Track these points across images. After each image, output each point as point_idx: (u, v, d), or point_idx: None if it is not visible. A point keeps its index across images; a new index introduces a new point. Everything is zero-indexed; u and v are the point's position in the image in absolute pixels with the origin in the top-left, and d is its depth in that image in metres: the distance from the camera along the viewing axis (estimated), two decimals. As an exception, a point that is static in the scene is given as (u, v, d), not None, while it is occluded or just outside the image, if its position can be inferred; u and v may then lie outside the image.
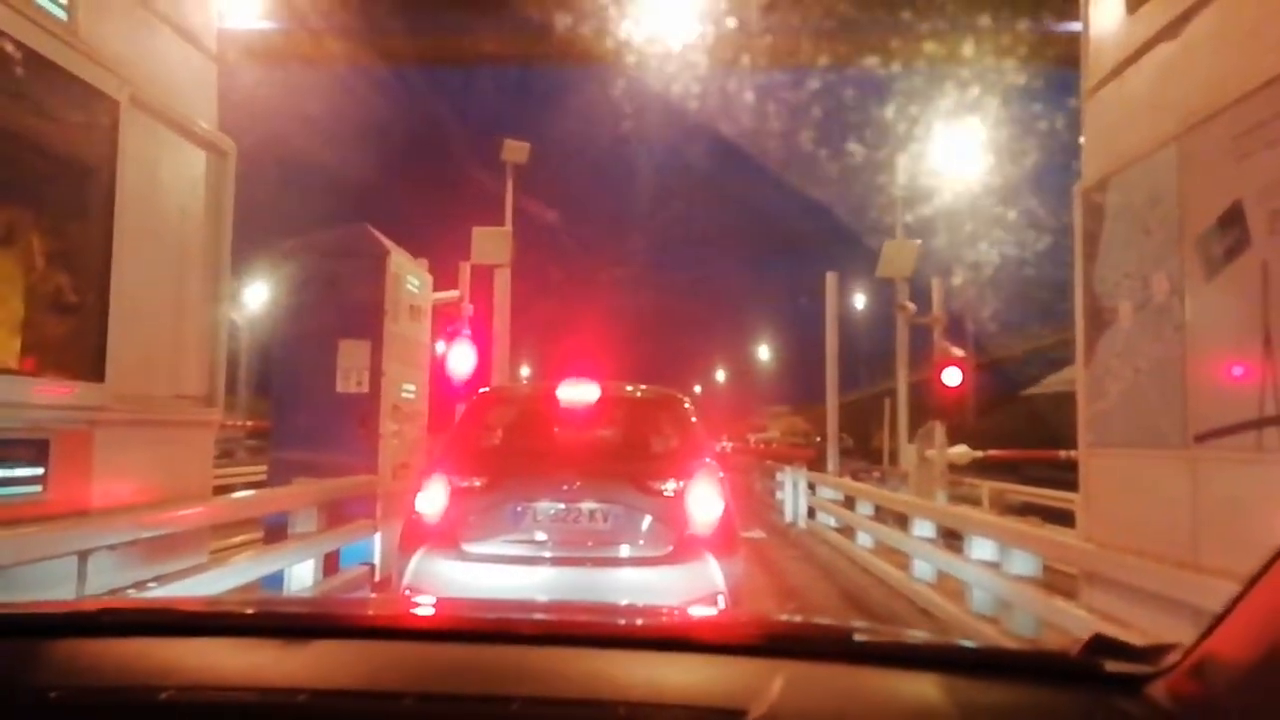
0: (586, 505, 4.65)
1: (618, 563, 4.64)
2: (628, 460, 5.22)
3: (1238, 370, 3.44)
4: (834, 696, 0.91)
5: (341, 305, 6.88)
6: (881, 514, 9.43)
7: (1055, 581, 5.26)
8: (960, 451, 10.94)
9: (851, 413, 22.81)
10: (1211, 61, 3.80)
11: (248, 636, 1.19)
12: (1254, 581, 0.68)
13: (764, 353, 56.62)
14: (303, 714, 0.94)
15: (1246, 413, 3.33)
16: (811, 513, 13.07)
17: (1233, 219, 3.50)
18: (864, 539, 9.61)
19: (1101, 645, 0.97)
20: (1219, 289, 3.61)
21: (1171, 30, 4.16)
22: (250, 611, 1.44)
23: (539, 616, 1.44)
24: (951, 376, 10.60)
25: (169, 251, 4.60)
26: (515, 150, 12.42)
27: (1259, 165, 3.38)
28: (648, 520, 4.66)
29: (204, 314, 4.86)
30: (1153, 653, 0.90)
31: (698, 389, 54.77)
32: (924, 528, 7.58)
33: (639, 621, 1.40)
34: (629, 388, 5.68)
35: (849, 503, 10.74)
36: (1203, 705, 0.70)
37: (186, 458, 4.65)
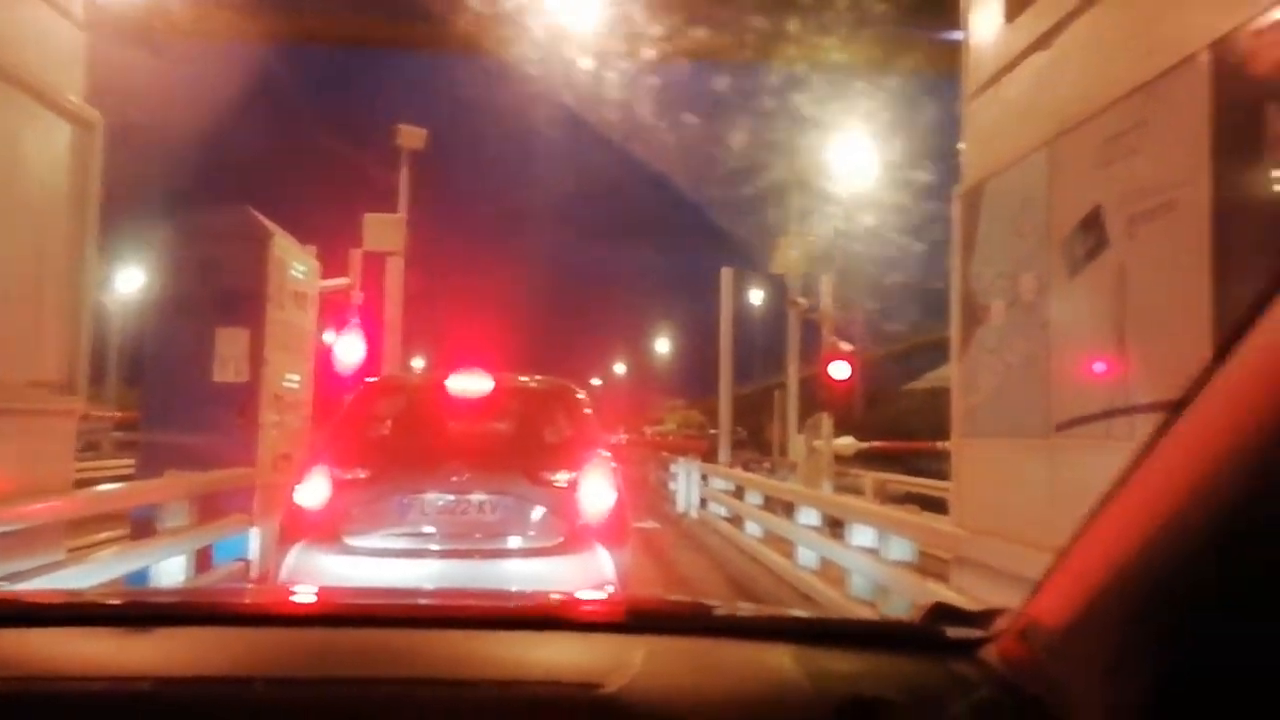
0: (476, 496, 4.60)
1: (507, 554, 4.61)
2: (519, 451, 5.20)
3: (1093, 364, 3.65)
4: (691, 668, 0.94)
5: (220, 290, 6.59)
6: (771, 504, 9.64)
7: (929, 566, 5.48)
8: (846, 443, 11.29)
9: (746, 406, 23.24)
10: (1081, 71, 4.00)
11: (90, 626, 1.13)
12: (1066, 550, 0.73)
13: (663, 346, 57.11)
14: (143, 702, 0.90)
15: (1099, 404, 3.54)
16: (704, 503, 13.26)
17: (1093, 222, 3.70)
18: (753, 528, 9.81)
19: (942, 612, 1.03)
20: (1079, 289, 3.82)
21: (1046, 40, 4.35)
22: (93, 601, 1.36)
23: (404, 601, 1.41)
24: (839, 370, 10.91)
25: (26, 229, 4.31)
26: (411, 136, 12.14)
27: (1119, 172, 3.58)
28: (538, 511, 4.65)
29: (66, 296, 4.57)
30: (986, 618, 0.96)
31: (597, 381, 54.83)
32: (809, 516, 7.79)
33: (508, 604, 1.39)
34: (522, 378, 5.66)
35: (740, 493, 10.95)
36: (1028, 665, 0.75)
37: (43, 449, 4.37)
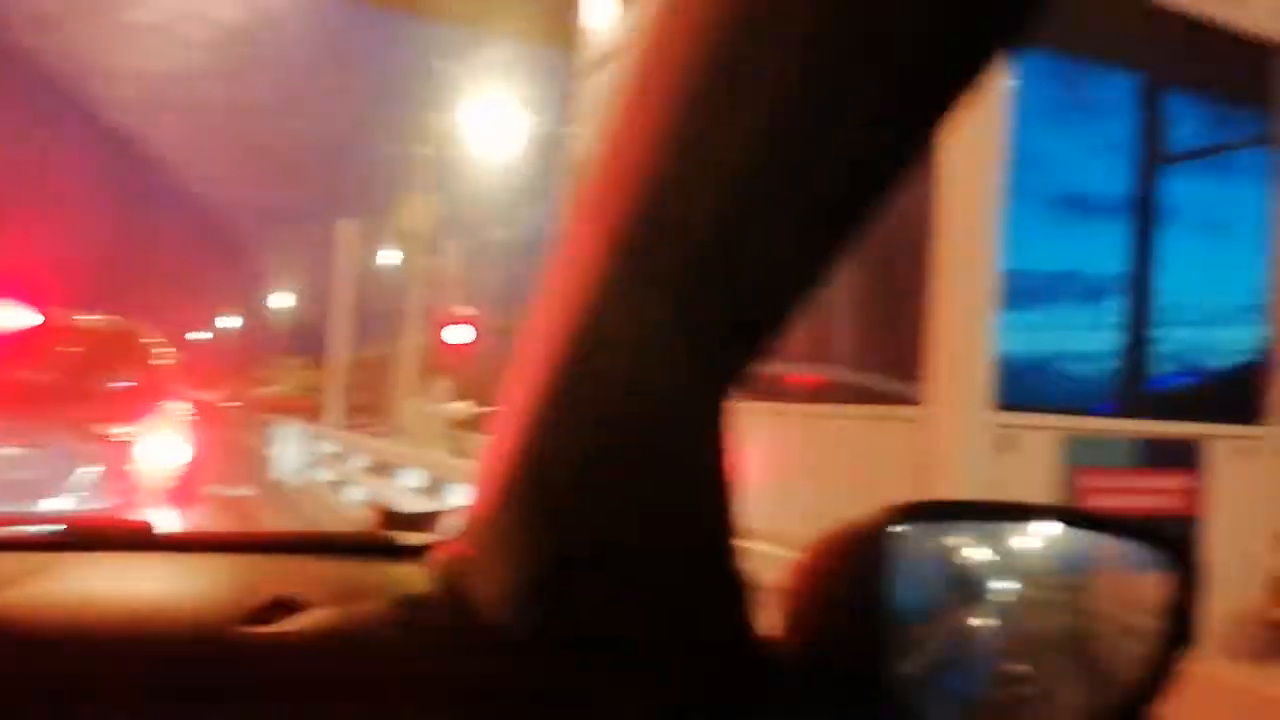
0: (4, 450, 3.96)
1: (41, 520, 4.00)
2: (65, 398, 4.55)
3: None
4: (108, 579, 0.88)
5: None
6: (378, 468, 9.53)
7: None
8: (462, 407, 11.40)
9: (372, 368, 22.61)
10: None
11: None
12: (485, 452, 0.77)
13: (287, 301, 53.30)
14: None
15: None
16: (307, 468, 12.72)
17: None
18: (355, 492, 9.65)
19: (396, 520, 1.06)
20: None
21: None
22: None
23: None
24: (455, 334, 10.95)
25: None
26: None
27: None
28: (87, 469, 4.12)
29: None
30: (430, 521, 1.00)
31: (207, 335, 50.12)
32: (413, 478, 7.79)
33: None
34: (77, 316, 4.97)
35: (343, 456, 10.69)
36: (460, 563, 0.78)
37: None
